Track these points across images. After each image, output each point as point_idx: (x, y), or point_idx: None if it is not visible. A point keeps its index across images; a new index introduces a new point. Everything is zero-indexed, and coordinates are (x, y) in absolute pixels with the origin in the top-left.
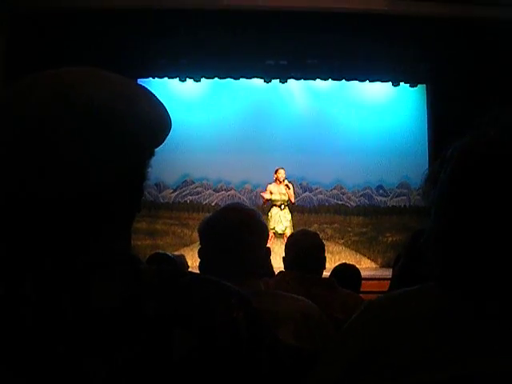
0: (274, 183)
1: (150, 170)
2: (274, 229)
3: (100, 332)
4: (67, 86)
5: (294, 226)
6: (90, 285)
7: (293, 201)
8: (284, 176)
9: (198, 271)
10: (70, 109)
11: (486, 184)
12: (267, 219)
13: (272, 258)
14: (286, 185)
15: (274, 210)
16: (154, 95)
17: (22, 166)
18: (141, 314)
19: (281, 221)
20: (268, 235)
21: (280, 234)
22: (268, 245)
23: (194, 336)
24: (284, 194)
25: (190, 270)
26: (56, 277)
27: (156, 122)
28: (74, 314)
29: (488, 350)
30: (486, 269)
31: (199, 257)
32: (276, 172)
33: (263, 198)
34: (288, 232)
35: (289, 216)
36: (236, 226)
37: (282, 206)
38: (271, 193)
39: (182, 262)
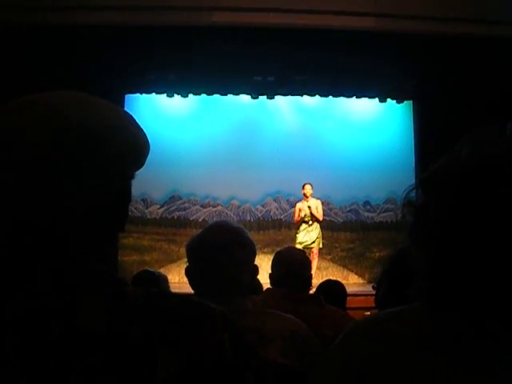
0: (302, 200)
1: (131, 190)
2: (301, 243)
3: (86, 356)
4: (53, 111)
5: (280, 242)
6: (77, 309)
7: (320, 219)
8: (310, 191)
9: (184, 287)
10: (57, 134)
11: (468, 207)
12: (296, 234)
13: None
14: (309, 206)
15: (303, 225)
16: (134, 119)
17: (12, 191)
18: (126, 338)
19: (308, 235)
20: (255, 252)
21: (307, 248)
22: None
23: (179, 359)
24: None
25: (177, 285)
26: (45, 299)
27: (140, 145)
28: (61, 339)
29: (487, 369)
30: (483, 288)
31: (186, 275)
32: (303, 188)
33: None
34: (315, 246)
35: (317, 230)
36: (227, 244)
37: (310, 222)
38: (300, 210)
39: (164, 280)
